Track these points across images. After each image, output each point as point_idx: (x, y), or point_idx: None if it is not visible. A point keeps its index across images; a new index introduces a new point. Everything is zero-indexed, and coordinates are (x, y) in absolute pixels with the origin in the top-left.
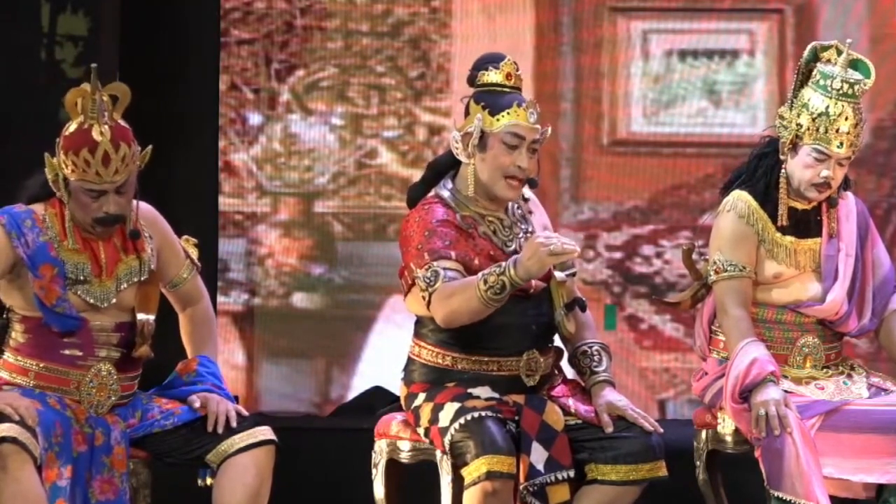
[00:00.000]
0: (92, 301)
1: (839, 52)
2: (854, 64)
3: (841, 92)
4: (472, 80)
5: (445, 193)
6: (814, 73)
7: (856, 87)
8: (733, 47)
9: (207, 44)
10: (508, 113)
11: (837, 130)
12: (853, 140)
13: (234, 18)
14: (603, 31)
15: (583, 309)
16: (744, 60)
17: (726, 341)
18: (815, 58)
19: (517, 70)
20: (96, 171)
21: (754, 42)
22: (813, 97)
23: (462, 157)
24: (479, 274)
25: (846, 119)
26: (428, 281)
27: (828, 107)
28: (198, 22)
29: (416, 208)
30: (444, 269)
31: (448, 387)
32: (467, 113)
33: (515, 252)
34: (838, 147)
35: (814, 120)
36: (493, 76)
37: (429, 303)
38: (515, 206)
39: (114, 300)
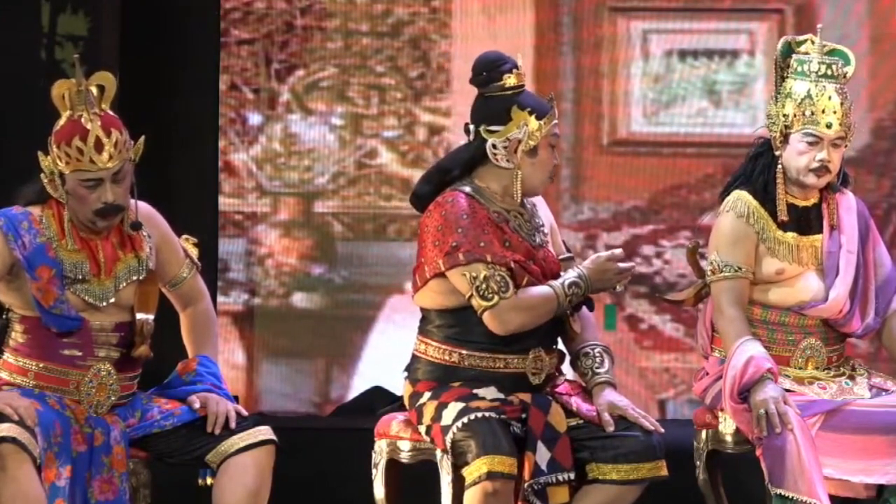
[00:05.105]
0: (91, 300)
1: (813, 43)
2: (831, 53)
3: (820, 73)
4: (486, 82)
5: (468, 189)
6: (791, 63)
7: (834, 68)
8: (733, 47)
9: (207, 44)
10: (550, 115)
11: (824, 111)
12: (842, 119)
13: (234, 18)
14: (603, 31)
15: (590, 308)
16: (744, 60)
17: (722, 341)
18: (789, 51)
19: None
20: (90, 159)
21: (754, 42)
22: (794, 84)
23: (503, 164)
24: (553, 284)
25: (830, 98)
26: (499, 286)
27: (809, 90)
28: (198, 22)
29: (437, 202)
30: (508, 276)
31: (454, 386)
32: (502, 118)
33: (541, 246)
34: (827, 127)
35: (799, 105)
36: (513, 79)
37: (492, 306)
38: (526, 200)
39: (113, 299)
